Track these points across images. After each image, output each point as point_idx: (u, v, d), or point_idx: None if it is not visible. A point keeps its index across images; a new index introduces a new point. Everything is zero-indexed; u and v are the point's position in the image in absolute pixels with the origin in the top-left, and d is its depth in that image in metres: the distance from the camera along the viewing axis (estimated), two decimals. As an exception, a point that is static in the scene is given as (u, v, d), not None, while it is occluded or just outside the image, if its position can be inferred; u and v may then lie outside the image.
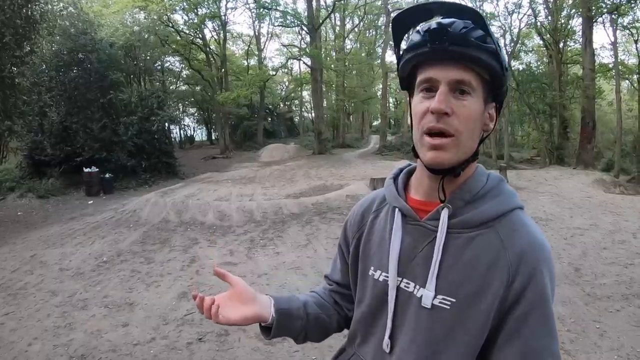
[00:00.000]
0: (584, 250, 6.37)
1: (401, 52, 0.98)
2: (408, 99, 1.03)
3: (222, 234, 7.99)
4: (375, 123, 48.67)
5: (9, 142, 18.10)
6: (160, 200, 10.14)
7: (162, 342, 4.08)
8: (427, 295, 0.92)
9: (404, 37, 1.00)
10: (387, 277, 1.01)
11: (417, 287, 0.96)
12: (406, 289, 0.98)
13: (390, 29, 1.03)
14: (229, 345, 3.99)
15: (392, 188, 1.08)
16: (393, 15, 25.93)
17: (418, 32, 0.93)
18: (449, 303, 0.91)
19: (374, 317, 1.06)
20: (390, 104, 43.79)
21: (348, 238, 1.19)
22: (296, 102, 46.35)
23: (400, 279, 0.99)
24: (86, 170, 14.19)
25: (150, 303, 5.03)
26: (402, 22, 0.97)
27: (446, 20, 0.90)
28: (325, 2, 30.17)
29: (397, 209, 1.03)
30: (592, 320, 4.20)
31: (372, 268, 1.07)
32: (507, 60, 0.93)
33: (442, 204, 0.95)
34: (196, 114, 41.55)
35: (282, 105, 43.73)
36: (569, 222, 7.93)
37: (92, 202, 12.85)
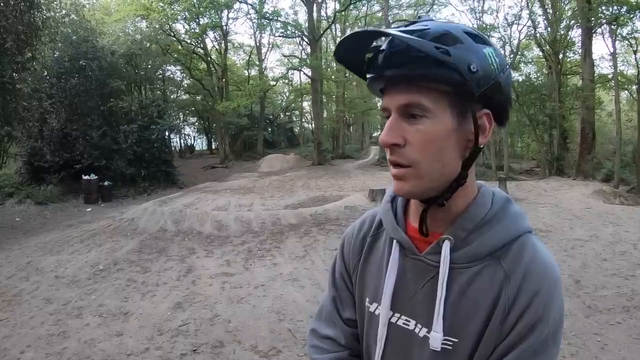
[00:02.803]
0: (584, 261, 6.31)
1: None
2: None
3: (220, 244, 7.94)
4: (375, 134, 48.70)
5: (8, 148, 18.14)
6: (158, 209, 10.09)
7: (156, 352, 4.02)
8: (435, 337, 0.84)
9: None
10: None
11: (419, 326, 0.89)
12: (405, 326, 0.91)
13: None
14: (224, 357, 3.93)
15: (389, 215, 0.98)
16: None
17: None
18: (451, 344, 0.84)
19: (369, 353, 0.99)
20: (391, 115, 43.81)
21: (349, 267, 1.07)
22: (296, 112, 46.51)
23: (398, 315, 0.92)
24: (85, 177, 14.18)
25: (145, 313, 4.98)
26: (343, 61, 0.90)
27: (376, 45, 0.83)
28: (326, 13, 30.40)
29: (394, 241, 0.95)
30: (592, 333, 4.14)
31: (367, 299, 0.99)
32: (474, 58, 0.79)
33: (443, 236, 0.86)
34: (197, 123, 41.67)
35: (282, 116, 43.83)
36: (569, 233, 7.87)
37: (90, 209, 12.82)
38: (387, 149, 0.83)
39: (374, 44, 0.85)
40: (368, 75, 0.86)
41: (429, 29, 0.79)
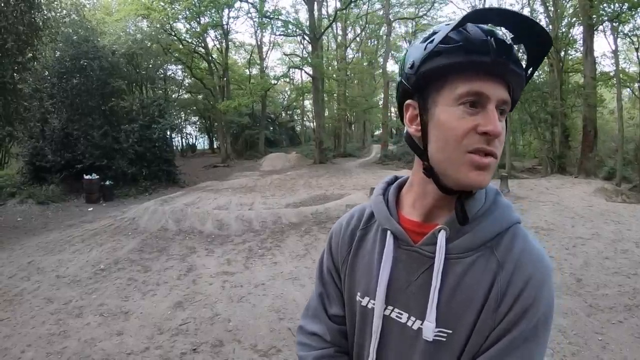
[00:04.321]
0: (585, 260, 6.29)
1: (431, 48, 0.81)
2: (410, 102, 0.89)
3: (221, 243, 7.94)
4: (376, 132, 48.69)
5: (10, 148, 18.17)
6: (160, 209, 10.10)
7: (156, 352, 4.02)
8: (428, 327, 0.84)
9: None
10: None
11: (413, 318, 0.89)
12: (398, 319, 0.91)
13: (433, 25, 0.91)
14: (224, 357, 3.93)
15: (382, 206, 1.00)
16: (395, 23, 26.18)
17: (462, 32, 0.80)
18: (445, 335, 0.84)
19: (361, 348, 0.99)
20: (392, 114, 43.98)
21: (337, 262, 1.07)
22: (298, 111, 46.55)
23: (391, 307, 0.92)
24: (86, 177, 14.17)
25: (145, 312, 4.97)
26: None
27: (499, 29, 0.83)
28: (327, 12, 30.38)
29: (388, 232, 0.95)
30: (594, 332, 4.12)
31: (358, 294, 0.98)
32: None
33: (438, 227, 0.87)
34: (198, 123, 41.71)
35: (283, 115, 43.85)
36: (570, 231, 7.85)
37: (91, 209, 12.82)
38: (485, 138, 0.81)
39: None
40: (478, 55, 0.79)
41: None
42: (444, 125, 0.83)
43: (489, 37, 0.79)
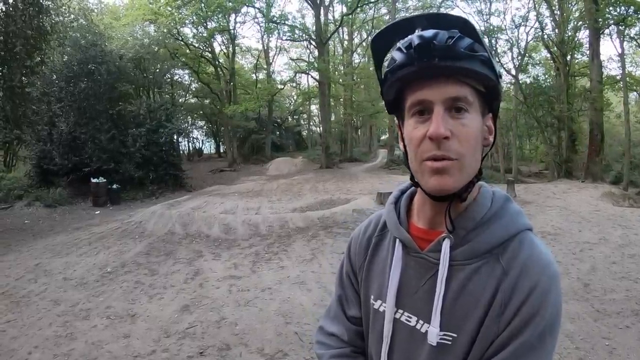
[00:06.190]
0: (593, 265, 6.26)
1: (383, 75, 0.90)
2: (396, 121, 0.96)
3: (227, 247, 7.96)
4: (383, 137, 48.58)
5: (18, 151, 18.31)
6: (167, 212, 10.14)
7: (162, 355, 4.04)
8: (432, 332, 0.86)
9: (385, 58, 0.93)
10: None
11: (421, 322, 0.91)
12: (407, 322, 0.93)
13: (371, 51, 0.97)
14: None
15: (392, 215, 1.02)
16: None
17: (399, 49, 0.85)
18: (450, 339, 0.86)
19: (373, 349, 1.01)
20: (398, 118, 43.94)
21: (355, 267, 1.10)
22: (304, 115, 46.49)
23: (401, 311, 0.94)
24: (94, 180, 14.28)
25: (152, 315, 5.00)
26: (383, 41, 0.91)
27: (428, 33, 0.82)
28: (334, 17, 30.38)
29: (397, 240, 0.98)
30: (601, 337, 4.10)
31: (372, 297, 1.02)
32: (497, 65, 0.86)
33: (443, 235, 0.89)
34: (205, 127, 41.72)
35: (290, 119, 43.82)
36: (577, 236, 7.81)
37: (98, 212, 12.89)
38: (434, 142, 0.82)
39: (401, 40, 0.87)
40: (405, 68, 0.84)
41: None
42: (406, 138, 0.89)
43: (410, 47, 0.82)
